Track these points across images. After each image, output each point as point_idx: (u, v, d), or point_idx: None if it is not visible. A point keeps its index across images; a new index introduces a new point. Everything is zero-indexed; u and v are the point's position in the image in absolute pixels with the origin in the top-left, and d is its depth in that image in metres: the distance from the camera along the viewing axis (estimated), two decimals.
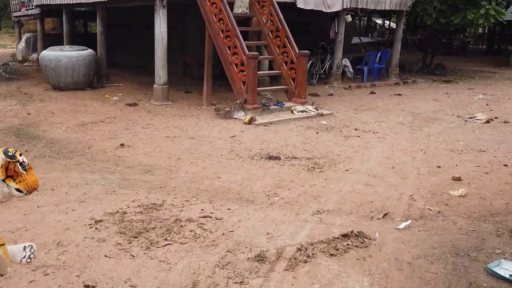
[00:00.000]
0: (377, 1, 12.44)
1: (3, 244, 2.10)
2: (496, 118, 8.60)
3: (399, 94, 11.23)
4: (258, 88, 8.35)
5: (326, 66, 12.97)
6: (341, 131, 7.36)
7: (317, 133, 7.18)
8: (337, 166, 5.59)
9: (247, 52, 8.09)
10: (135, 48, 13.88)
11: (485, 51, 27.14)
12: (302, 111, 8.30)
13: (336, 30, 12.26)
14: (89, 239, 3.53)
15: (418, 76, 14.74)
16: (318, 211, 4.22)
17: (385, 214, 4.18)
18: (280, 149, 6.24)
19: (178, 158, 5.71)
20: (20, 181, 2.07)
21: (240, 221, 3.92)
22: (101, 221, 3.84)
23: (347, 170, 5.43)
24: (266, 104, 8.36)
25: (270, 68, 9.87)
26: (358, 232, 3.70)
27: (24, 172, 2.07)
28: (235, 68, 8.29)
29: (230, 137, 6.78)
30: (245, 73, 8.12)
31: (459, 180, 5.11)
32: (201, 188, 4.74)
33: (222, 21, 8.48)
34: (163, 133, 6.87)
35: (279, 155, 5.95)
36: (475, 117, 8.52)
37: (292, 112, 8.30)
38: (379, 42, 22.68)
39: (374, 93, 11.36)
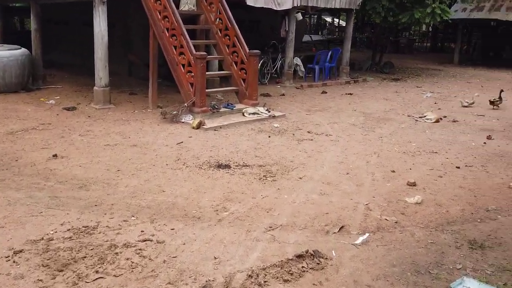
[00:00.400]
0: None
1: None
2: (445, 117, 8.68)
3: (351, 94, 11.17)
4: (207, 90, 7.94)
5: (277, 65, 12.73)
6: (293, 134, 7.10)
7: (269, 137, 6.88)
8: (290, 173, 5.30)
9: (194, 51, 7.65)
10: (77, 47, 13.01)
11: (429, 48, 28.08)
12: (253, 114, 7.98)
13: (287, 29, 12.04)
14: (3, 276, 3.00)
15: (368, 75, 14.85)
16: (270, 227, 3.90)
17: (341, 227, 3.93)
18: (231, 156, 5.88)
19: (118, 170, 5.21)
20: None
21: (184, 244, 3.52)
22: (21, 251, 3.32)
23: (300, 178, 5.15)
24: (216, 107, 7.97)
25: (220, 68, 9.47)
26: (313, 251, 3.41)
27: None
28: (182, 68, 7.83)
29: (177, 143, 6.34)
30: (192, 74, 7.68)
31: (414, 185, 4.97)
32: (142, 204, 4.30)
33: (167, 19, 7.98)
34: (103, 141, 6.31)
35: (229, 163, 5.58)
36: (425, 116, 8.54)
37: (243, 114, 7.96)
38: (329, 40, 22.81)
39: (326, 92, 11.25)
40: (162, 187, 4.76)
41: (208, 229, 3.81)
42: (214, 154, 5.93)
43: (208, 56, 8.25)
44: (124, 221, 3.91)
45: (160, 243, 3.53)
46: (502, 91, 9.86)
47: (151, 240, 3.56)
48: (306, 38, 19.61)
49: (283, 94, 10.65)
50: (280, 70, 12.70)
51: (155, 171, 5.21)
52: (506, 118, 8.75)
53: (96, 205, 4.22)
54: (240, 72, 8.54)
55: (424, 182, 5.09)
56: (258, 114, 8.02)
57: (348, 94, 11.12)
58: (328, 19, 34.49)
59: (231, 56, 8.64)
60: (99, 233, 3.67)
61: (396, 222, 4.07)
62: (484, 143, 6.82)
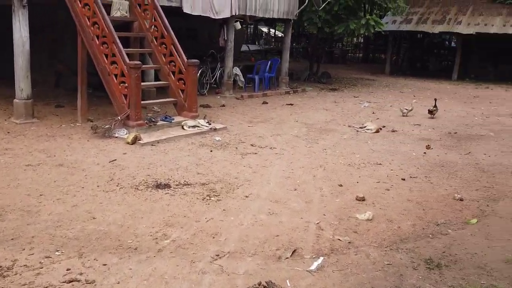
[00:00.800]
0: (265, 9, 12.24)
1: None
2: (384, 127, 8.78)
3: (291, 104, 11.09)
4: (142, 102, 7.42)
5: (216, 75, 12.41)
6: (237, 147, 6.79)
7: (211, 151, 6.51)
8: (235, 191, 4.96)
9: (128, 61, 7.12)
10: None
11: (361, 59, 29.12)
12: (193, 126, 7.57)
13: (226, 38, 11.77)
14: None
15: (306, 85, 14.94)
16: (217, 255, 3.53)
17: (294, 251, 3.65)
18: (170, 174, 5.44)
19: (41, 194, 4.59)
20: None
21: (119, 283, 3.06)
22: None
23: (247, 197, 4.83)
24: (153, 120, 7.46)
25: (156, 78, 8.97)
26: (266, 283, 3.09)
27: None
28: (115, 79, 7.26)
29: (110, 161, 5.78)
30: (126, 84, 7.14)
31: (363, 200, 4.83)
32: (69, 235, 3.76)
33: (97, 25, 7.38)
34: (24, 161, 5.61)
35: (168, 182, 5.14)
36: (365, 126, 8.58)
37: (183, 127, 7.52)
38: (266, 50, 22.91)
39: (267, 103, 11.09)
40: (93, 213, 4.23)
41: (146, 262, 3.36)
42: (152, 172, 5.46)
43: (143, 66, 7.74)
44: (47, 257, 3.37)
45: (89, 283, 3.04)
46: (436, 99, 10.22)
47: (79, 280, 3.06)
48: (243, 47, 19.51)
49: (224, 105, 10.33)
50: (219, 80, 12.39)
51: (84, 195, 4.65)
52: (440, 127, 9.03)
53: (12, 239, 3.62)
54: (178, 83, 8.10)
55: (372, 196, 4.97)
56: (199, 127, 7.62)
57: (289, 104, 11.02)
58: (264, 29, 34.80)
59: (168, 66, 8.19)
60: (15, 274, 3.11)
61: (349, 242, 3.86)
62: (424, 153, 6.91)
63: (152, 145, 6.65)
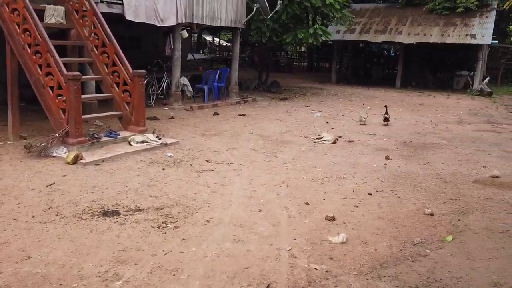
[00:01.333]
0: (213, 17, 11.83)
1: None
2: (340, 137, 8.60)
3: (243, 114, 10.72)
4: (83, 116, 6.72)
5: (163, 86, 11.79)
6: (191, 164, 6.27)
7: (164, 169, 5.96)
8: (194, 216, 4.46)
9: (65, 72, 6.42)
10: None
11: (306, 68, 29.44)
12: (142, 142, 6.96)
13: (172, 47, 11.22)
14: None
15: (256, 94, 14.67)
16: None
17: (268, 286, 3.23)
18: (119, 197, 4.84)
19: None
20: None
21: None
22: None
23: (208, 221, 4.34)
24: (96, 136, 6.77)
25: (98, 89, 8.25)
26: None
27: None
28: (51, 92, 6.54)
29: (47, 185, 5.07)
30: (64, 98, 6.42)
31: (333, 219, 4.50)
32: None
33: (28, 33, 6.62)
34: None
35: (117, 208, 4.55)
36: (322, 137, 8.36)
37: (130, 143, 6.89)
38: (212, 59, 22.48)
39: (218, 114, 10.63)
40: (28, 251, 3.57)
41: None
42: (97, 197, 4.83)
43: (83, 77, 7.05)
44: None
45: None
46: (387, 107, 10.25)
47: None
48: (188, 56, 18.97)
49: (173, 117, 9.75)
50: (166, 90, 11.78)
51: (16, 228, 3.97)
52: (394, 135, 9.00)
53: None
54: (123, 95, 7.46)
55: (342, 215, 4.66)
56: (148, 142, 7.02)
57: (241, 115, 10.64)
58: (209, 38, 34.33)
59: (112, 77, 7.54)
60: None
61: (327, 271, 3.49)
62: (385, 164, 6.75)
63: (96, 164, 5.98)
